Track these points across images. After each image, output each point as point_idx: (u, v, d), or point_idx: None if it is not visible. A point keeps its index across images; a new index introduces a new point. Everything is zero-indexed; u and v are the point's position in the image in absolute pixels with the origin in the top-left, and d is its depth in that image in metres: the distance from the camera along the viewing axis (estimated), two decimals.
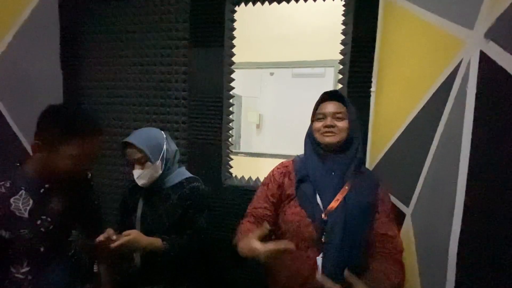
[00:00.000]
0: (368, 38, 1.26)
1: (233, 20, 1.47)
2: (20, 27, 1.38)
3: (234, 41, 1.49)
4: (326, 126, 0.88)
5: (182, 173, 1.13)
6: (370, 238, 0.84)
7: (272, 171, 1.00)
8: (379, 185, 0.90)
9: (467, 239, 0.54)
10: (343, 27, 1.33)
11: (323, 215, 0.83)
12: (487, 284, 0.48)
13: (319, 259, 0.81)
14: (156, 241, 0.98)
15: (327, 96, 0.93)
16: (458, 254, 0.55)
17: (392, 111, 1.07)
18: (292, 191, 0.91)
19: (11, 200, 0.74)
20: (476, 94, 0.53)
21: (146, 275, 1.06)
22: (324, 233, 0.81)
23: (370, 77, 1.28)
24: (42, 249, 0.77)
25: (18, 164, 0.80)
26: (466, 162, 0.54)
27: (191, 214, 1.06)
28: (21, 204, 0.75)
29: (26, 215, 0.75)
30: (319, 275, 0.78)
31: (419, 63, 0.82)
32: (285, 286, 0.88)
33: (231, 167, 1.57)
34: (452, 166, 0.58)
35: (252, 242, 0.75)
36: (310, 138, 0.95)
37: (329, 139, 0.88)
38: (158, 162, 1.02)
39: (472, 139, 0.53)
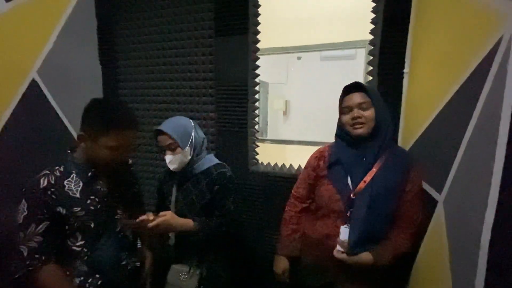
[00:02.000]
0: (400, 16, 1.17)
1: (258, 6, 1.45)
2: (63, 26, 1.50)
3: (259, 27, 1.48)
4: (353, 118, 0.93)
5: (210, 159, 1.19)
6: (395, 214, 0.92)
7: (310, 156, 1.12)
8: (411, 166, 0.93)
9: (500, 229, 0.51)
10: (374, 5, 1.25)
11: (351, 195, 0.92)
12: None
13: (343, 228, 0.92)
14: (188, 222, 1.05)
15: (350, 89, 0.97)
16: (490, 243, 0.53)
17: (426, 94, 1.00)
18: (325, 173, 1.02)
19: (65, 182, 0.85)
20: None
21: (179, 252, 1.15)
22: (351, 209, 0.91)
23: (403, 57, 1.20)
24: (92, 225, 0.87)
25: (69, 151, 0.91)
26: (503, 149, 0.50)
27: (219, 198, 1.12)
28: (73, 185, 0.86)
29: (77, 195, 0.86)
30: (340, 242, 0.91)
31: (455, 41, 0.76)
32: (316, 250, 1.02)
33: (257, 153, 1.60)
34: (488, 153, 0.54)
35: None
36: (340, 130, 1.02)
37: (360, 131, 0.93)
38: (187, 148, 1.08)
39: (510, 124, 0.49)
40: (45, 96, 1.47)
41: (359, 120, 0.92)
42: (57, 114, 1.52)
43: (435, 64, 0.92)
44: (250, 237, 1.56)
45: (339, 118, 1.01)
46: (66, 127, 1.56)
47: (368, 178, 0.91)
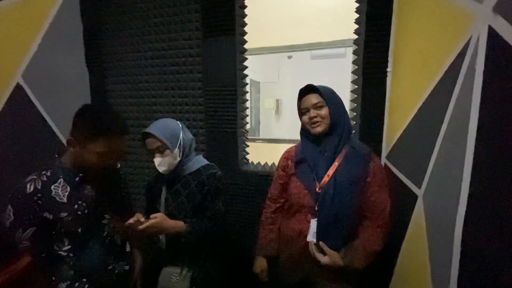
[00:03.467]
0: (383, 16, 1.20)
1: (244, 7, 1.46)
2: (47, 29, 1.49)
3: (248, 27, 1.49)
4: (310, 118, 1.01)
5: (199, 160, 1.19)
6: (362, 205, 0.98)
7: (280, 157, 1.18)
8: (371, 158, 1.00)
9: (472, 221, 0.53)
10: (357, 5, 1.28)
11: (317, 189, 1.00)
12: (490, 262, 0.48)
13: (313, 222, 0.99)
14: (179, 224, 1.06)
15: (305, 91, 1.04)
16: (463, 234, 0.55)
17: (408, 91, 1.03)
18: (294, 171, 1.09)
19: (52, 187, 0.85)
20: (484, 72, 0.50)
21: (171, 255, 1.16)
22: (317, 202, 0.98)
23: (386, 56, 1.23)
24: (79, 230, 0.87)
25: (56, 156, 0.90)
26: (473, 143, 0.53)
27: (209, 199, 1.13)
28: (60, 190, 0.86)
29: (64, 200, 0.85)
30: (310, 234, 0.98)
31: (433, 40, 0.78)
32: (291, 247, 1.07)
33: (247, 153, 1.61)
34: (460, 148, 0.57)
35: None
36: (303, 129, 1.10)
37: (317, 129, 1.01)
38: (176, 150, 1.09)
39: (479, 120, 0.51)
40: (31, 101, 1.45)
41: (315, 119, 1.00)
42: (44, 118, 1.51)
43: (415, 62, 0.95)
44: (242, 237, 1.58)
45: (300, 119, 1.09)
46: (53, 132, 1.54)
47: (331, 171, 0.99)
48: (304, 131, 1.10)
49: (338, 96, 1.05)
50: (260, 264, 1.17)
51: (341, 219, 0.96)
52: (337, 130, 1.01)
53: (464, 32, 0.59)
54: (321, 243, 0.96)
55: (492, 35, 0.48)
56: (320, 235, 0.97)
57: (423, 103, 0.83)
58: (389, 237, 0.96)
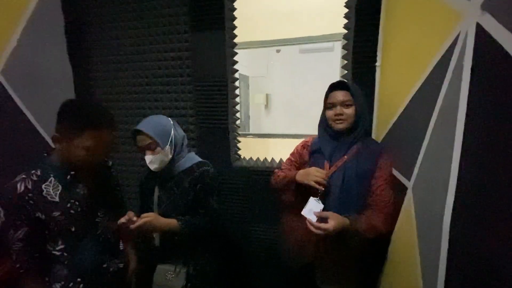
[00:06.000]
0: (371, 11, 1.21)
1: (233, 0, 1.44)
2: (26, 23, 1.42)
3: (237, 21, 1.46)
4: (336, 115, 1.01)
5: (192, 158, 1.18)
6: (367, 198, 0.99)
7: (296, 146, 1.21)
8: (380, 155, 1.01)
9: (460, 211, 0.56)
10: None
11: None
12: (477, 250, 0.51)
13: (312, 200, 1.00)
14: (172, 222, 1.05)
15: (336, 86, 1.04)
16: (451, 224, 0.58)
17: (397, 86, 1.06)
18: (307, 159, 1.12)
19: (43, 186, 0.83)
20: (472, 68, 0.52)
21: (165, 253, 1.15)
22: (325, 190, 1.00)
23: (375, 51, 1.25)
24: (73, 229, 0.86)
25: (45, 154, 0.88)
26: (461, 136, 0.55)
27: (202, 196, 1.13)
28: (52, 189, 0.83)
29: (56, 199, 0.83)
30: (305, 209, 0.98)
31: (421, 35, 0.80)
32: (296, 231, 1.07)
33: (239, 149, 1.61)
34: (448, 141, 0.59)
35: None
36: (323, 123, 1.10)
37: (340, 126, 1.02)
38: (167, 147, 1.07)
39: (466, 113, 0.54)
40: (11, 97, 1.39)
41: (341, 117, 1.01)
42: (25, 115, 1.45)
43: (404, 57, 0.97)
44: (236, 232, 1.59)
45: (323, 112, 1.09)
46: (36, 130, 1.49)
47: (340, 163, 1.02)
48: (323, 124, 1.09)
49: (363, 96, 1.05)
50: (304, 174, 1.03)
51: (347, 206, 0.97)
52: (357, 130, 1.03)
53: (453, 28, 0.60)
54: (323, 212, 0.94)
55: (480, 32, 0.50)
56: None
57: (412, 97, 0.85)
58: (389, 227, 0.96)
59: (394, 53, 1.07)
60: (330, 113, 1.04)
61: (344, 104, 1.01)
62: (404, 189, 0.88)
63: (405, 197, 0.87)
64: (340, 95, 1.01)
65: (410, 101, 0.88)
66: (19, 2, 1.40)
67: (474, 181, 0.52)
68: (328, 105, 1.05)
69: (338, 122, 1.02)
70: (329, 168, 1.03)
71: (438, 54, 0.68)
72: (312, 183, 0.97)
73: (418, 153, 0.77)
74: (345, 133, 1.03)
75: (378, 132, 1.25)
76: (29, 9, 1.42)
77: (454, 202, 0.57)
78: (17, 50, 1.38)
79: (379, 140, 1.20)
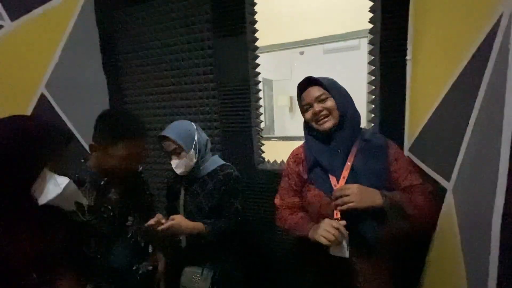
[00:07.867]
0: (399, 2, 1.14)
1: (253, 4, 1.44)
2: (67, 39, 1.55)
3: (258, 24, 1.47)
4: (315, 114, 0.91)
5: (216, 161, 1.20)
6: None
7: (287, 162, 1.06)
8: (388, 147, 0.91)
9: (511, 214, 0.49)
10: None
11: None
12: None
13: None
14: (198, 225, 1.07)
15: (304, 85, 0.95)
16: (501, 228, 0.51)
17: (430, 80, 0.97)
18: (307, 176, 0.96)
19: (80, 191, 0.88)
20: None
21: (191, 255, 1.17)
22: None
23: (405, 44, 1.17)
24: (105, 232, 0.90)
25: (82, 161, 0.94)
26: (510, 130, 0.48)
27: (227, 199, 1.13)
28: (87, 194, 0.89)
29: (91, 203, 0.88)
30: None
31: (456, 23, 0.73)
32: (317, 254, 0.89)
33: (263, 152, 1.60)
34: (494, 137, 0.52)
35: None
36: (307, 128, 0.99)
37: (326, 124, 0.90)
38: (192, 151, 1.10)
39: None
40: (54, 109, 1.52)
41: (322, 113, 0.90)
42: (65, 124, 1.57)
43: (437, 48, 0.89)
44: (261, 236, 1.57)
45: (303, 116, 0.98)
46: (76, 138, 1.61)
47: (346, 173, 0.88)
48: (309, 130, 0.98)
49: (342, 86, 0.94)
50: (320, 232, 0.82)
51: (371, 216, 0.83)
52: (348, 123, 0.90)
53: (493, 10, 0.54)
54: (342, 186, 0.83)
55: None
56: (352, 236, 0.82)
57: (449, 89, 0.78)
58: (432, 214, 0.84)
59: (426, 44, 0.99)
60: (308, 114, 0.93)
61: (319, 100, 0.90)
62: (443, 191, 0.80)
63: (444, 199, 0.80)
64: (312, 92, 0.91)
65: (446, 94, 0.80)
66: (60, 21, 1.54)
67: None
68: (304, 107, 0.94)
69: (321, 121, 0.90)
70: (338, 183, 0.88)
71: (477, 39, 0.61)
72: (326, 241, 0.79)
73: (458, 151, 0.69)
74: (335, 131, 0.91)
75: (411, 129, 1.16)
76: (68, 27, 1.56)
77: (505, 204, 0.50)
78: (58, 66, 1.51)
79: (413, 138, 1.11)
